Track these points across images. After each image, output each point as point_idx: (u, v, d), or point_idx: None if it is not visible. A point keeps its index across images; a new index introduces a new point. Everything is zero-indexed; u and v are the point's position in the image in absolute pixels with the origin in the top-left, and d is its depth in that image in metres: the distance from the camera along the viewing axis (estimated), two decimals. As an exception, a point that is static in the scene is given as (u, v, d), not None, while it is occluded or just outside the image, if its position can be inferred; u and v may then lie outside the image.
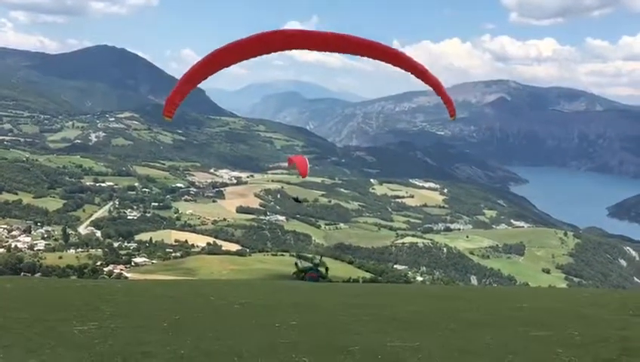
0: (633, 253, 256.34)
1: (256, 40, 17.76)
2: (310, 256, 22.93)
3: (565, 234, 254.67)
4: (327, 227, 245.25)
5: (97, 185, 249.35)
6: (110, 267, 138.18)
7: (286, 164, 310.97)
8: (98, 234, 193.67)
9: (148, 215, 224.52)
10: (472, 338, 15.07)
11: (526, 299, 23.93)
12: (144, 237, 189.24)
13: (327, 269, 22.49)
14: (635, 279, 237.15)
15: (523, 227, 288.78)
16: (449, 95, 20.55)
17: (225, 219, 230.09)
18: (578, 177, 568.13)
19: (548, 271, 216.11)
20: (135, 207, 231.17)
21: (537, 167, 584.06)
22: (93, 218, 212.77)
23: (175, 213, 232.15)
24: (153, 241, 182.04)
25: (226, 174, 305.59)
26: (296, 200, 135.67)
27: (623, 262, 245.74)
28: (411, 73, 19.59)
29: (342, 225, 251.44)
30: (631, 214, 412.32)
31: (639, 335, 15.66)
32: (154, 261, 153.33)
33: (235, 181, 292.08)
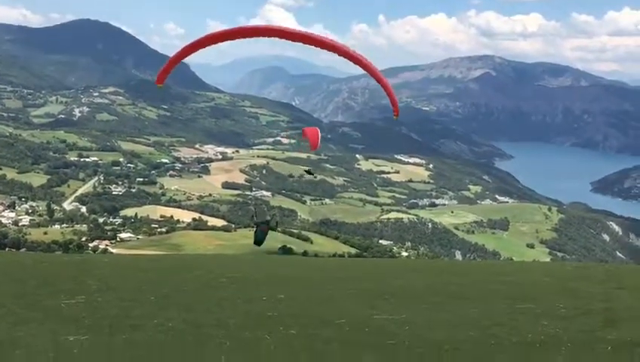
0: (616, 227, 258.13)
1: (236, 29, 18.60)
2: (268, 213, 21.88)
3: (549, 210, 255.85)
4: (312, 202, 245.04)
5: (82, 160, 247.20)
6: (95, 243, 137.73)
7: (271, 140, 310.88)
8: (83, 209, 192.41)
9: (133, 190, 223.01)
10: (457, 311, 15.21)
11: (511, 273, 24.16)
12: (129, 212, 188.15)
13: (277, 223, 22.46)
14: (618, 254, 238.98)
15: (507, 202, 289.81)
16: (395, 97, 20.38)
17: (210, 195, 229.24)
18: (563, 152, 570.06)
19: (532, 246, 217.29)
20: (120, 183, 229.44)
21: (522, 143, 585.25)
22: (77, 193, 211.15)
23: (160, 189, 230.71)
24: (138, 217, 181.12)
25: (211, 150, 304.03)
26: (309, 172, 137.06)
27: (606, 237, 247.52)
28: (362, 68, 19.63)
29: (327, 200, 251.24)
30: (614, 189, 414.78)
31: (622, 306, 15.87)
32: (139, 236, 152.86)
33: (220, 156, 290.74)
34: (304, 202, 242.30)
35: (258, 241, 22.51)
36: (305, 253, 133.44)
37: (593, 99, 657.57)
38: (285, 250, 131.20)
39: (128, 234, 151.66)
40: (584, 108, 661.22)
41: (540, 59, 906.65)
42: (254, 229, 22.58)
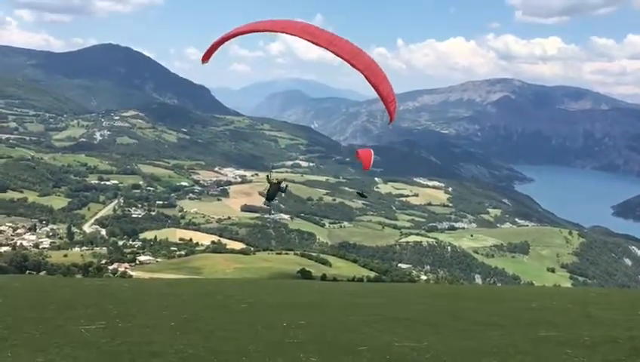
0: (638, 252, 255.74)
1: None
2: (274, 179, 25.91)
3: (570, 233, 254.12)
4: (331, 226, 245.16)
5: (102, 183, 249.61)
6: (115, 265, 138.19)
7: (290, 163, 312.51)
8: (103, 232, 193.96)
9: (152, 213, 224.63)
10: (480, 338, 15.03)
11: (533, 299, 23.88)
12: (149, 235, 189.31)
13: (286, 186, 27.93)
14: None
15: (527, 226, 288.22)
16: (392, 107, 20.36)
17: (229, 218, 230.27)
18: (583, 176, 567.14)
19: (553, 270, 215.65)
20: (140, 206, 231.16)
21: (542, 166, 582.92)
22: (97, 216, 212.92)
23: (180, 212, 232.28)
24: (158, 240, 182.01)
25: (230, 173, 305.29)
26: (361, 195, 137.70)
27: (628, 261, 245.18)
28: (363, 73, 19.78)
29: (346, 223, 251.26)
30: (636, 213, 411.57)
31: (648, 335, 15.59)
32: (158, 259, 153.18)
33: (239, 180, 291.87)
34: (323, 225, 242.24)
35: (269, 198, 27.23)
36: (324, 277, 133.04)
37: (614, 122, 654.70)
38: (304, 274, 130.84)
39: (148, 257, 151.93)
40: (605, 131, 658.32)
41: (559, 83, 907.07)
42: (268, 189, 27.35)
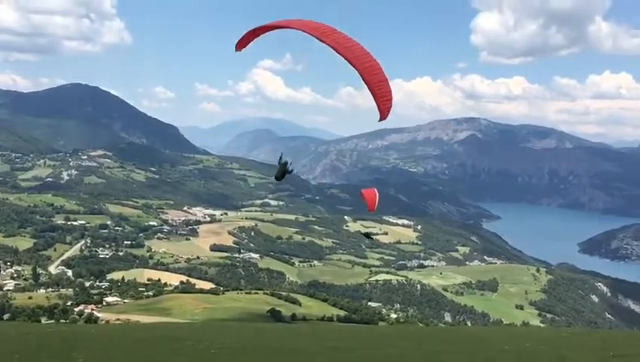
0: (604, 288, 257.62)
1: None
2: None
3: (538, 271, 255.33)
4: (301, 264, 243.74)
5: (69, 223, 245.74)
6: (81, 307, 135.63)
7: (260, 202, 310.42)
8: (69, 273, 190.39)
9: (120, 254, 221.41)
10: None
11: (506, 341, 23.77)
12: (116, 276, 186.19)
13: (292, 168, 29.73)
14: (607, 315, 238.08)
15: (496, 263, 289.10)
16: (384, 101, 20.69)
17: (198, 257, 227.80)
18: (549, 213, 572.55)
19: (521, 308, 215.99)
20: (107, 246, 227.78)
21: (509, 204, 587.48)
22: (64, 257, 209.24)
23: (148, 252, 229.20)
24: (125, 280, 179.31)
25: (199, 212, 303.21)
26: (368, 236, 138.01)
27: (595, 298, 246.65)
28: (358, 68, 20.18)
29: (316, 262, 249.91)
30: (601, 250, 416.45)
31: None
32: (126, 300, 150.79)
33: (208, 219, 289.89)
34: (293, 264, 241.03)
35: (276, 177, 28.81)
36: (293, 316, 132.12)
37: (578, 160, 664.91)
38: (274, 313, 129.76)
39: (115, 298, 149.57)
40: (569, 169, 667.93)
41: (524, 122, 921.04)
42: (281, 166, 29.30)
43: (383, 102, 20.77)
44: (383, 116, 21.19)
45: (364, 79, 20.25)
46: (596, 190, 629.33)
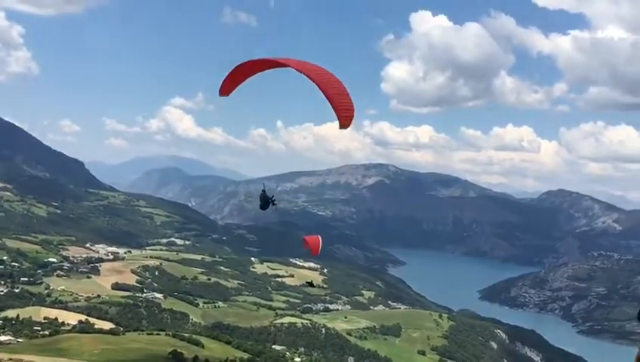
0: (503, 335, 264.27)
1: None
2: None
3: (440, 316, 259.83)
4: (205, 305, 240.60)
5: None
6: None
7: (165, 240, 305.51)
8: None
9: (16, 290, 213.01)
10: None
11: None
12: (11, 314, 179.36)
13: (273, 200, 32.95)
14: (505, 361, 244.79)
15: (400, 308, 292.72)
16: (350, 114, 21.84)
17: (99, 296, 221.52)
18: (453, 260, 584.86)
19: (423, 353, 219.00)
20: (2, 282, 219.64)
21: (414, 250, 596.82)
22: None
23: (46, 289, 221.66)
24: (20, 318, 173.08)
25: (102, 249, 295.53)
26: (310, 284, 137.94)
27: (494, 345, 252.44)
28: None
29: (221, 303, 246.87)
30: (501, 297, 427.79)
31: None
32: (20, 339, 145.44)
33: (111, 256, 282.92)
34: (197, 305, 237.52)
35: (261, 207, 31.77)
36: (195, 358, 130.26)
37: (481, 209, 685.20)
38: (175, 355, 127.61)
39: (8, 337, 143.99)
40: (473, 218, 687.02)
41: (431, 170, 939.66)
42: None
43: (345, 110, 21.60)
44: (343, 124, 21.96)
45: (323, 91, 21.24)
46: (498, 239, 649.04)
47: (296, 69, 21.67)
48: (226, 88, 24.58)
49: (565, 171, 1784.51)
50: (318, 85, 20.99)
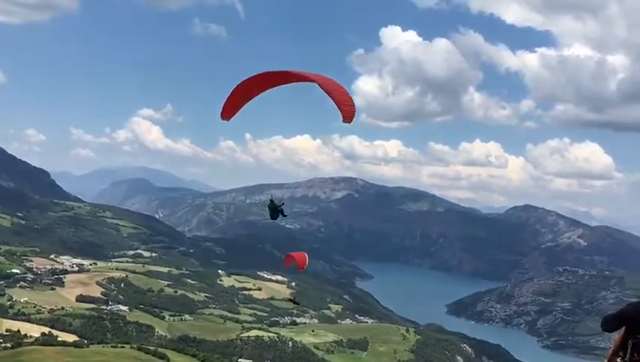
0: (469, 349, 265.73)
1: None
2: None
3: (407, 330, 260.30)
4: (171, 318, 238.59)
5: None
6: None
7: (132, 252, 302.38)
8: None
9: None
10: None
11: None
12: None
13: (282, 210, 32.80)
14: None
15: (367, 322, 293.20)
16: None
17: (63, 308, 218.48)
18: (420, 274, 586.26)
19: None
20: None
21: (382, 264, 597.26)
22: None
23: (8, 301, 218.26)
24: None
25: (67, 261, 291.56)
26: (293, 301, 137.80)
27: (460, 359, 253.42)
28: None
29: (187, 316, 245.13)
30: (467, 312, 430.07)
31: None
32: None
33: (76, 268, 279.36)
34: (163, 318, 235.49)
35: (270, 217, 31.90)
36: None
37: (448, 224, 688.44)
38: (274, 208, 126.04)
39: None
40: (440, 232, 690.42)
41: (399, 184, 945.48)
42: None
43: (347, 105, 21.98)
44: (347, 117, 22.29)
45: (325, 90, 21.83)
46: (465, 253, 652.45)
47: (302, 80, 22.40)
48: (228, 112, 24.45)
49: (532, 187, 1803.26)
50: (320, 86, 21.65)
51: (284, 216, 32.98)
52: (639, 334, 12.91)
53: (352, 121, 22.16)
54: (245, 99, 24.08)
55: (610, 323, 13.63)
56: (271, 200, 32.49)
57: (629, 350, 13.11)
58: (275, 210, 32.40)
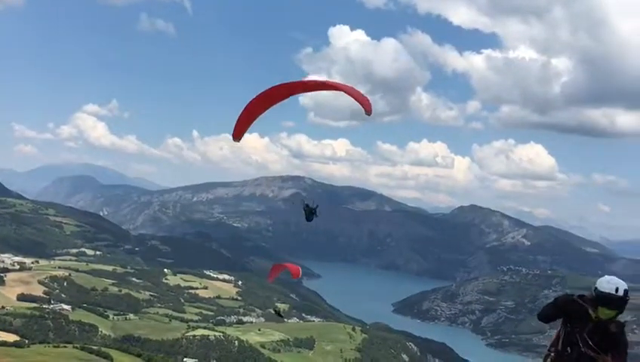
0: (415, 348, 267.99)
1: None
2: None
3: (353, 329, 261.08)
4: (115, 317, 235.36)
5: None
6: None
7: (75, 251, 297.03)
8: None
9: None
10: None
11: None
12: None
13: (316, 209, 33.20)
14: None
15: (314, 321, 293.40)
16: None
17: (3, 308, 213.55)
18: (367, 274, 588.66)
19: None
20: None
21: (330, 263, 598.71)
22: None
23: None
24: None
25: (8, 259, 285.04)
26: (278, 313, 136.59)
27: (406, 357, 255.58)
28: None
29: (131, 315, 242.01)
30: (413, 311, 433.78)
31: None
32: None
33: (17, 267, 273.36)
34: (107, 317, 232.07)
35: (306, 219, 32.22)
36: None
37: (396, 224, 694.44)
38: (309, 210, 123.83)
39: None
40: (387, 232, 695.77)
41: (347, 183, 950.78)
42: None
43: (365, 99, 22.50)
44: (369, 109, 22.84)
45: (341, 89, 22.26)
46: (412, 253, 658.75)
47: (316, 89, 23.08)
48: (239, 131, 24.41)
49: (477, 187, 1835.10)
50: (336, 88, 22.33)
51: (317, 216, 33.72)
52: (570, 323, 13.30)
53: (371, 112, 22.93)
54: (256, 114, 24.21)
55: (543, 311, 14.08)
56: (306, 204, 33.04)
57: (561, 339, 13.50)
58: (311, 213, 33.13)
